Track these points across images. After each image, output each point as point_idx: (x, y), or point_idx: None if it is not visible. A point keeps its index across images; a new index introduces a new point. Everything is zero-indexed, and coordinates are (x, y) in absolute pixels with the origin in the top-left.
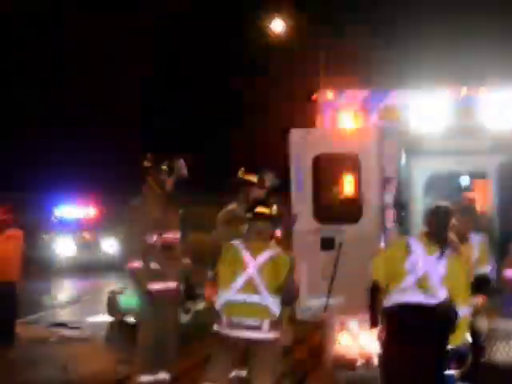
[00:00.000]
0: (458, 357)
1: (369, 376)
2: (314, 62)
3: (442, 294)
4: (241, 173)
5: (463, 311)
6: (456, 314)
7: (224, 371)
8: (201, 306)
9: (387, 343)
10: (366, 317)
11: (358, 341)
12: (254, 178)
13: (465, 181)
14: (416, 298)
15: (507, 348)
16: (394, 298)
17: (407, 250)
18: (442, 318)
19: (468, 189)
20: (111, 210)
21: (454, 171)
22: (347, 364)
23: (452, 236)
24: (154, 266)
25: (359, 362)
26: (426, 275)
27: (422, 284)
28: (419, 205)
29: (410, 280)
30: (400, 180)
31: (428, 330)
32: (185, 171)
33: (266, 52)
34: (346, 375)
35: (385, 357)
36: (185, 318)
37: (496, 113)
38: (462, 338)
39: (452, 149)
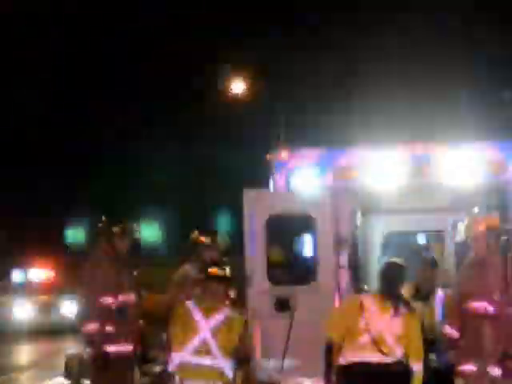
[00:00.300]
0: None
1: None
2: (274, 124)
3: (397, 353)
4: (194, 234)
5: (417, 368)
6: (410, 372)
7: None
8: (158, 368)
9: None
10: (321, 377)
11: None
12: (207, 240)
13: (422, 239)
14: (371, 357)
15: None
16: (349, 356)
17: (361, 308)
18: (397, 377)
19: (426, 247)
20: (70, 273)
21: (411, 230)
22: None
23: (407, 292)
24: (108, 328)
25: None
26: (381, 334)
27: (377, 343)
28: (376, 264)
29: (365, 338)
30: (356, 240)
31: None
32: (138, 235)
33: (227, 118)
34: None
35: None
36: (143, 381)
37: (451, 170)
38: None
39: (408, 207)
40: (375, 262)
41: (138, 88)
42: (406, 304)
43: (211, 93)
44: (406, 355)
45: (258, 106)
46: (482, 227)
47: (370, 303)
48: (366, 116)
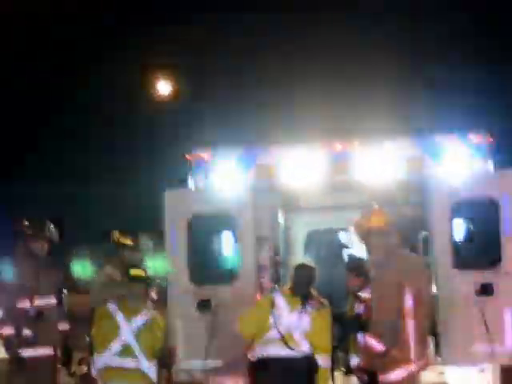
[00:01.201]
0: None
1: None
2: (197, 125)
3: (304, 348)
4: (116, 235)
5: (323, 362)
6: (316, 366)
7: None
8: (85, 369)
9: None
10: (243, 377)
11: None
12: (128, 241)
13: (343, 236)
14: (279, 351)
15: None
16: (258, 351)
17: (271, 305)
18: (302, 370)
19: (347, 244)
20: None
21: (333, 227)
22: None
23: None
24: (25, 332)
25: None
26: (288, 330)
27: (285, 338)
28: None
29: (273, 334)
30: (277, 238)
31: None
32: (56, 235)
33: (150, 118)
34: None
35: None
36: (70, 382)
37: (371, 167)
38: None
39: (329, 204)
40: (297, 259)
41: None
42: (316, 301)
43: (134, 94)
44: (314, 350)
45: (180, 106)
46: (365, 226)
47: (281, 301)
48: (288, 115)
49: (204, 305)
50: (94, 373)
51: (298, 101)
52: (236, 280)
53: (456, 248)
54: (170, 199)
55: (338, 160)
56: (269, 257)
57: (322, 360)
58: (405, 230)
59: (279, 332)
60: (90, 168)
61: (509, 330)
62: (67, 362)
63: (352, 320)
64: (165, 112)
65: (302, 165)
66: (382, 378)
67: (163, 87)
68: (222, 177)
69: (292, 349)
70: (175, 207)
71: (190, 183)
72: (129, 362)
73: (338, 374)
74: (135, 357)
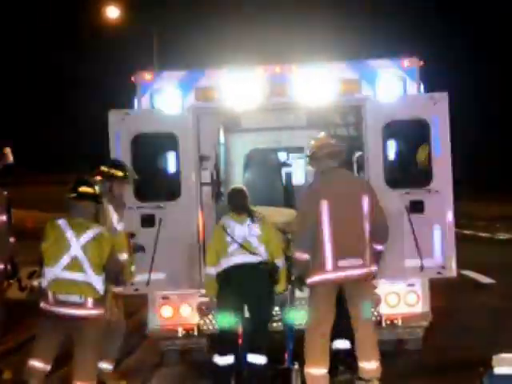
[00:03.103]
0: (282, 301)
1: (189, 344)
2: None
3: (262, 252)
4: (105, 167)
5: (280, 263)
6: (276, 267)
7: (49, 348)
8: (36, 282)
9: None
10: (186, 290)
11: (179, 313)
12: (119, 173)
13: (283, 155)
14: (242, 258)
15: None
16: (224, 263)
17: (224, 228)
18: (265, 272)
19: (286, 163)
20: None
21: (272, 147)
22: (169, 334)
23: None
24: None
25: (180, 333)
26: (245, 239)
27: (244, 247)
28: (238, 180)
29: (233, 247)
30: (218, 157)
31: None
32: (11, 158)
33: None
34: (168, 344)
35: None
36: (20, 295)
37: (309, 89)
38: (283, 285)
39: (268, 125)
40: (238, 177)
41: None
42: (257, 214)
43: (84, 17)
44: (270, 254)
45: (131, 30)
46: (308, 151)
47: (230, 221)
48: (230, 39)
49: (148, 220)
50: (44, 284)
51: (238, 26)
52: (179, 197)
53: (388, 168)
54: (114, 119)
55: (276, 82)
56: (210, 175)
57: (279, 261)
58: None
59: (238, 244)
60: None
61: (437, 245)
62: (16, 276)
63: None
64: (116, 35)
65: (241, 87)
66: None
67: (112, 12)
68: (164, 99)
69: (253, 253)
70: (119, 127)
71: (135, 105)
72: (77, 275)
73: None
74: (83, 270)
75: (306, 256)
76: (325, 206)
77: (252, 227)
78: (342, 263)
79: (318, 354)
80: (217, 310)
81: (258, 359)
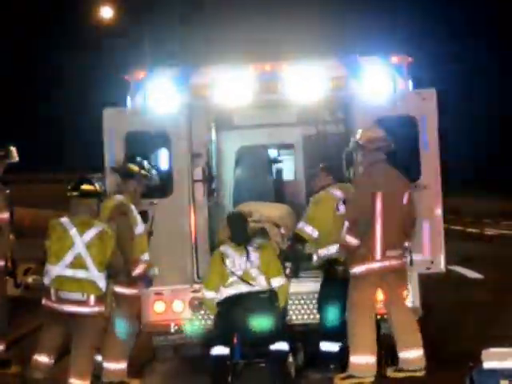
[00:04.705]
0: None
1: (180, 340)
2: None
3: (262, 282)
4: (131, 165)
5: (279, 282)
6: (275, 293)
7: (52, 344)
8: (31, 279)
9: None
10: (179, 286)
11: (172, 308)
12: (147, 172)
13: (273, 152)
14: (241, 289)
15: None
16: (224, 293)
17: (222, 257)
18: (263, 299)
19: (277, 160)
20: None
21: (263, 143)
22: (161, 330)
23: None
24: None
25: (172, 328)
26: (245, 271)
27: (243, 279)
28: (230, 177)
29: (232, 278)
30: (210, 154)
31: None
32: (17, 157)
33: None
34: (161, 340)
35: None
36: (15, 292)
37: (299, 87)
38: (284, 300)
39: (258, 122)
40: (229, 174)
41: None
42: (258, 239)
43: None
44: (270, 278)
45: (124, 30)
46: (355, 143)
47: (229, 251)
48: (221, 37)
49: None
50: (47, 282)
51: (228, 25)
52: (171, 194)
53: None
54: (108, 118)
55: (267, 80)
56: (202, 172)
57: (277, 280)
58: (330, 146)
59: (237, 276)
60: None
61: (426, 240)
62: (13, 273)
63: None
64: (106, 36)
65: (233, 84)
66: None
67: (105, 12)
68: (157, 96)
69: (252, 285)
70: (112, 125)
71: (128, 103)
72: (80, 273)
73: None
74: (86, 267)
75: (356, 242)
76: (379, 198)
77: (251, 257)
78: (388, 253)
79: (368, 341)
80: (214, 337)
81: (281, 346)
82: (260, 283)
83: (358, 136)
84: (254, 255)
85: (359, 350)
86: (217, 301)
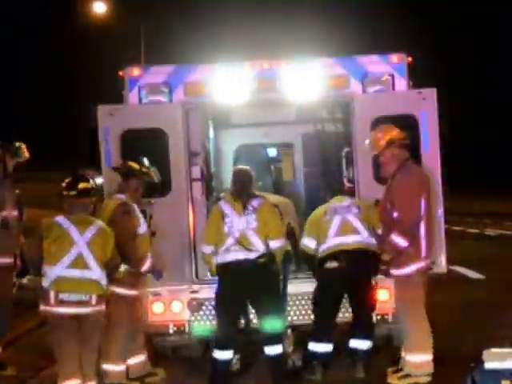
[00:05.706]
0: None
1: (180, 341)
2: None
3: (260, 247)
4: (132, 164)
5: (277, 245)
6: (273, 261)
7: (74, 359)
8: (25, 280)
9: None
10: (177, 286)
11: (171, 309)
12: (148, 170)
13: (272, 151)
14: (237, 256)
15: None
16: (220, 258)
17: (221, 214)
18: (260, 268)
19: (276, 159)
20: None
21: (262, 142)
22: (161, 330)
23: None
24: None
25: (171, 329)
26: (242, 233)
27: (240, 242)
28: (228, 175)
29: (230, 241)
30: (208, 153)
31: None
32: (27, 154)
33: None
34: (160, 341)
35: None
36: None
37: (297, 85)
38: (281, 260)
39: (257, 121)
40: (228, 173)
41: None
42: (259, 198)
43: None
44: (267, 239)
45: (120, 26)
46: (383, 141)
47: (227, 208)
48: (218, 35)
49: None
50: (45, 285)
51: (226, 23)
52: (169, 192)
53: (377, 163)
54: (103, 114)
55: (265, 78)
56: (200, 171)
57: (276, 242)
58: (329, 145)
59: (234, 237)
60: None
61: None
62: (21, 273)
63: None
64: (101, 32)
65: (230, 82)
66: (396, 272)
67: (99, 7)
68: (153, 94)
69: (249, 250)
70: (108, 123)
71: (124, 99)
72: (82, 272)
73: None
74: (88, 266)
75: (406, 243)
76: (425, 197)
77: (248, 218)
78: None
79: (427, 338)
80: (215, 310)
81: (275, 350)
82: (257, 247)
83: (379, 135)
84: (252, 216)
85: (416, 348)
86: (215, 263)
